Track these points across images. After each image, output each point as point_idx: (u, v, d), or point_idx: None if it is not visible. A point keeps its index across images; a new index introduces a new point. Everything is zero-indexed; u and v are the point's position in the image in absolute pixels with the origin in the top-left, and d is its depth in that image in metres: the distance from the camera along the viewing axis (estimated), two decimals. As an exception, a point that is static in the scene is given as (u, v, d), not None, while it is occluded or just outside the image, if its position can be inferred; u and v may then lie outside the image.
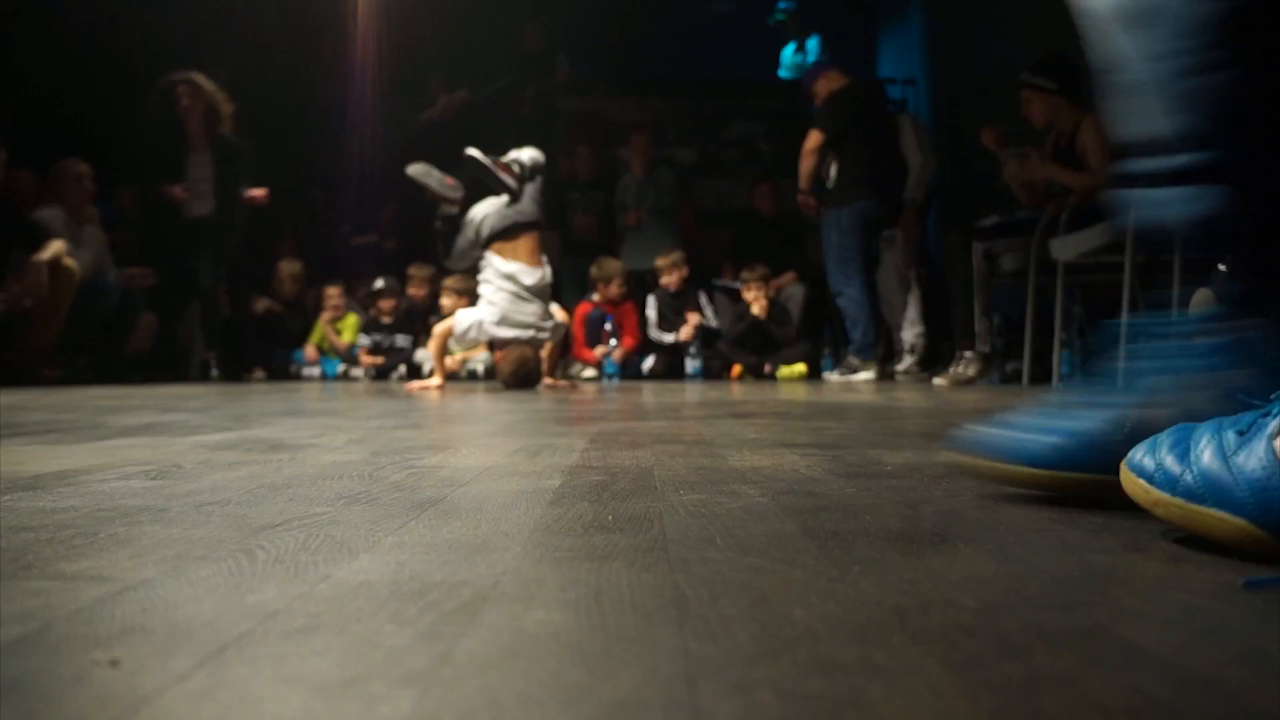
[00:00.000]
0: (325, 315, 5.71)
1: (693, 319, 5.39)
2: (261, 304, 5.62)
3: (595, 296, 5.54)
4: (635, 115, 7.39)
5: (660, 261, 5.52)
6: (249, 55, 5.60)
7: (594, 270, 5.54)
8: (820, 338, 5.60)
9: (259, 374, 5.41)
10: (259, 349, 5.51)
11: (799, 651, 0.34)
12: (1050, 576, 0.46)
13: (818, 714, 0.28)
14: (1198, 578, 0.45)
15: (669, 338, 5.50)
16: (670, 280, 5.52)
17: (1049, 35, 4.85)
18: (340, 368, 5.58)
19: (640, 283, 5.72)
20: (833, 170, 4.70)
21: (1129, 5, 0.67)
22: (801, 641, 0.35)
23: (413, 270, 5.79)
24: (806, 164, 4.71)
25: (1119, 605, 0.40)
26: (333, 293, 5.74)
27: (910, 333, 4.91)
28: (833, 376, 4.93)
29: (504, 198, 3.63)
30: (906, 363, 4.92)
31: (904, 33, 7.90)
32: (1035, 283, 3.75)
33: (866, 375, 4.71)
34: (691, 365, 5.15)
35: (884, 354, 5.04)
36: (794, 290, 5.74)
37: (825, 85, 4.88)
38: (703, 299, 5.60)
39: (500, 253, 3.55)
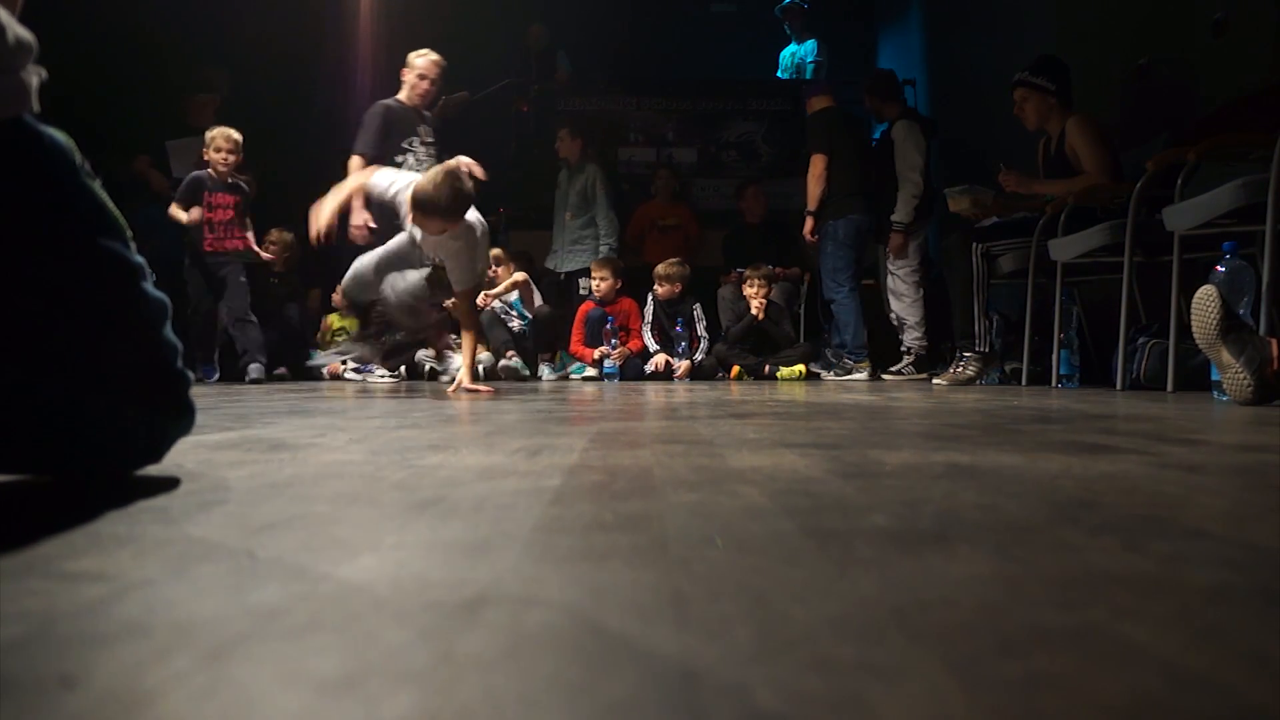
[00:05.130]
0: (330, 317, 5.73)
1: (659, 359, 5.39)
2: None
3: (596, 295, 5.55)
4: (635, 115, 7.40)
5: (659, 270, 5.52)
6: (249, 55, 5.59)
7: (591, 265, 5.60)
8: (820, 339, 5.62)
9: (280, 371, 5.43)
10: (283, 347, 5.52)
11: (798, 651, 0.34)
12: (1050, 576, 0.46)
13: (817, 713, 0.29)
14: (1197, 577, 0.45)
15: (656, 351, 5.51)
16: (662, 291, 5.52)
17: (1047, 36, 4.86)
18: (342, 367, 5.59)
19: (632, 283, 5.70)
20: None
21: None
22: (800, 641, 0.35)
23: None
24: (816, 189, 5.10)
25: (1118, 605, 0.40)
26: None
27: (909, 336, 5.01)
28: (828, 376, 5.04)
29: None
30: (902, 362, 5.01)
31: (904, 33, 7.90)
32: (1034, 283, 3.76)
33: (860, 375, 4.97)
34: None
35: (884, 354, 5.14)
36: (793, 290, 5.77)
37: (814, 103, 5.30)
38: (697, 311, 5.58)
39: None
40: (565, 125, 5.99)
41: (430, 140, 4.54)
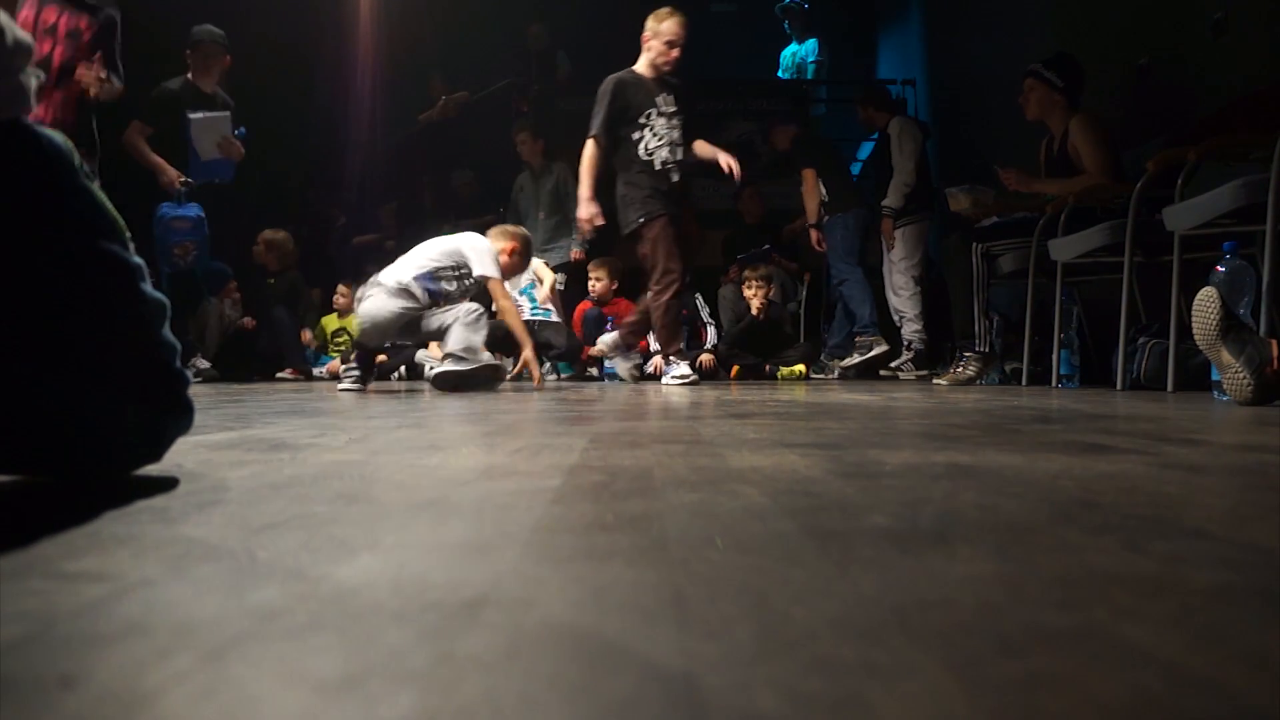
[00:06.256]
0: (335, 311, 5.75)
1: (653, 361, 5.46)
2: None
3: (593, 295, 5.57)
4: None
5: None
6: (250, 55, 5.59)
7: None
8: (820, 338, 5.62)
9: (289, 374, 5.43)
10: (287, 349, 5.53)
11: (798, 651, 0.34)
12: (1050, 576, 0.46)
13: (817, 713, 0.29)
14: (1197, 577, 0.45)
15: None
16: None
17: (1047, 36, 4.86)
18: (342, 367, 5.60)
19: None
20: (823, 191, 5.30)
21: None
22: (801, 641, 0.35)
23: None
24: (814, 201, 5.33)
25: (1118, 605, 0.40)
26: (343, 290, 5.77)
27: (908, 329, 5.03)
28: (849, 360, 5.08)
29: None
30: (902, 358, 5.04)
31: (904, 33, 7.90)
32: (1034, 283, 3.75)
33: (880, 349, 5.07)
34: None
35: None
36: (791, 283, 5.80)
37: (784, 135, 5.62)
38: (699, 300, 5.60)
39: None
40: (525, 129, 5.97)
41: (672, 110, 3.99)
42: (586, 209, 3.94)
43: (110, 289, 0.77)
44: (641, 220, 3.91)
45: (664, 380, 4.04)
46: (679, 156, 3.99)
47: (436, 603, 0.41)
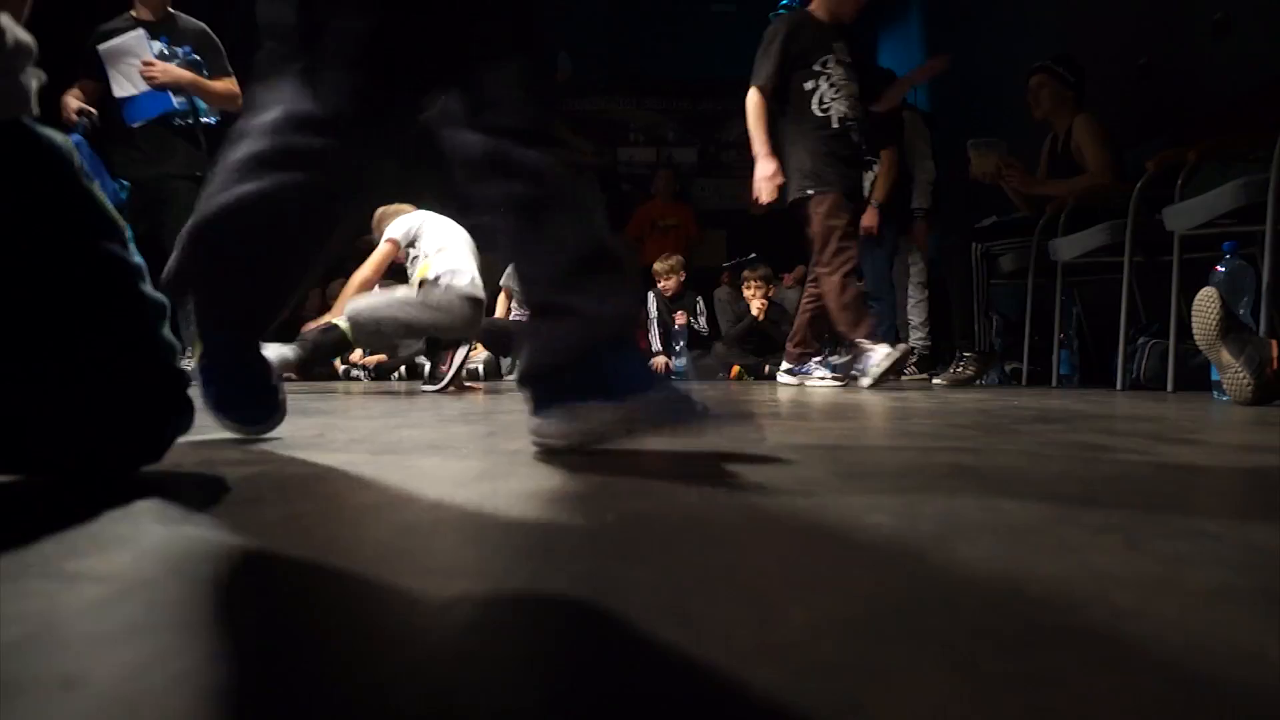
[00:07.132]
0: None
1: (679, 317, 5.41)
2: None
3: None
4: (635, 115, 7.40)
5: (658, 266, 5.55)
6: (250, 52, 5.58)
7: None
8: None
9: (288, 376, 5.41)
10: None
11: (798, 651, 0.34)
12: (1050, 576, 0.46)
13: (817, 713, 0.29)
14: (1197, 578, 0.45)
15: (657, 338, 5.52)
16: (667, 285, 5.55)
17: (1047, 35, 4.86)
18: (342, 367, 5.60)
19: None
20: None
21: None
22: (801, 641, 0.35)
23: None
24: (889, 181, 4.62)
25: (1118, 605, 0.40)
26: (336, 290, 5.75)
27: (913, 336, 5.02)
28: (864, 381, 5.04)
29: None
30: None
31: (904, 33, 7.90)
32: (1034, 283, 3.76)
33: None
34: (677, 364, 5.18)
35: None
36: (791, 293, 5.77)
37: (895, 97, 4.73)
38: (699, 305, 5.63)
39: None
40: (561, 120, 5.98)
41: (848, 60, 3.41)
42: (764, 166, 3.34)
43: (111, 290, 0.77)
44: (811, 192, 3.29)
45: (862, 376, 3.30)
46: (859, 113, 3.40)
47: (436, 602, 0.41)
